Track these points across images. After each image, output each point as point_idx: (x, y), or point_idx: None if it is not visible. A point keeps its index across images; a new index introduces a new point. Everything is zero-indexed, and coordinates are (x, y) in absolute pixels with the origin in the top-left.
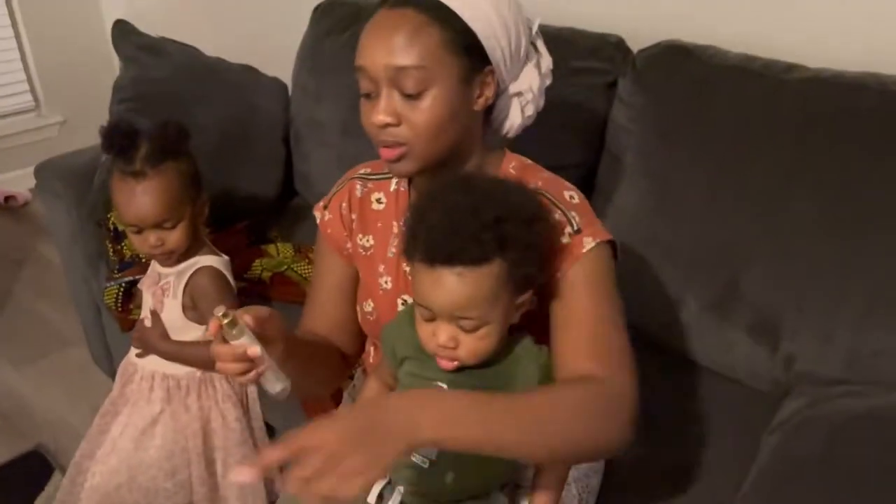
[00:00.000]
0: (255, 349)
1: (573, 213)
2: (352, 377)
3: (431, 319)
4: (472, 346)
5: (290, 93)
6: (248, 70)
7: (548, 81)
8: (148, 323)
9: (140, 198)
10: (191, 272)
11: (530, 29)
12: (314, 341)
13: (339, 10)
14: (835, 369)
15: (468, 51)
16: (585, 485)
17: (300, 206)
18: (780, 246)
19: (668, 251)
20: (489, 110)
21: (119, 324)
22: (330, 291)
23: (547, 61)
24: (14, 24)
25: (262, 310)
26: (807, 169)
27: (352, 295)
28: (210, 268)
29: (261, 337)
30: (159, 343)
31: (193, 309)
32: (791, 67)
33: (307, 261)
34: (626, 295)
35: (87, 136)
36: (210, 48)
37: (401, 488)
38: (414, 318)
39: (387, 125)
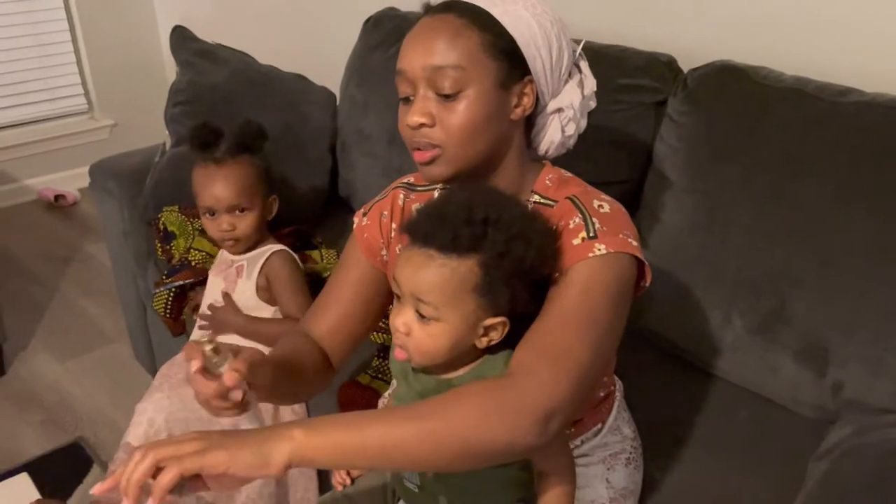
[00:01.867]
0: (239, 394)
1: (594, 220)
2: (389, 381)
3: (399, 299)
4: (421, 338)
5: (338, 103)
6: (299, 79)
7: (591, 104)
8: (218, 304)
9: (218, 181)
10: (266, 255)
11: (574, 50)
12: (285, 362)
13: (389, 24)
14: (884, 398)
15: (507, 56)
16: None
17: (345, 214)
18: (831, 270)
19: (714, 271)
20: (529, 125)
21: (169, 328)
22: (343, 291)
23: (591, 83)
24: (72, 29)
25: (255, 354)
26: (859, 193)
27: (364, 302)
28: (284, 251)
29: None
30: (233, 317)
31: (267, 290)
32: (846, 91)
33: None
34: (670, 314)
35: (137, 139)
36: (263, 56)
37: None
38: None
39: (421, 125)
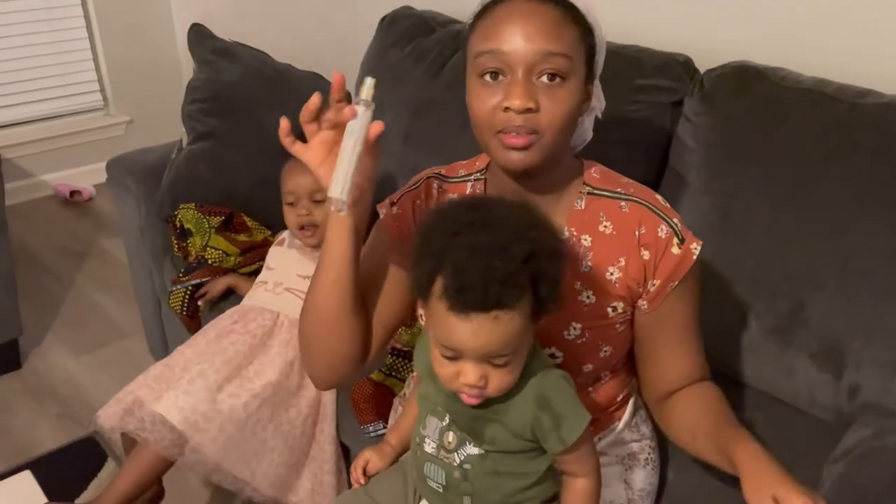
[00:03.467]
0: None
1: (675, 221)
2: (402, 379)
3: (455, 359)
4: (500, 380)
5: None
6: (315, 77)
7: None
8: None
9: (304, 170)
10: None
11: None
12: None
13: (405, 23)
14: None
15: (590, 54)
16: None
17: None
18: (849, 271)
19: (730, 272)
20: None
21: (186, 326)
22: (372, 289)
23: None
24: (88, 26)
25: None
26: (879, 194)
27: (393, 299)
28: None
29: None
30: None
31: None
32: (865, 92)
33: None
34: None
35: (152, 136)
36: (279, 54)
37: None
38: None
39: (527, 110)
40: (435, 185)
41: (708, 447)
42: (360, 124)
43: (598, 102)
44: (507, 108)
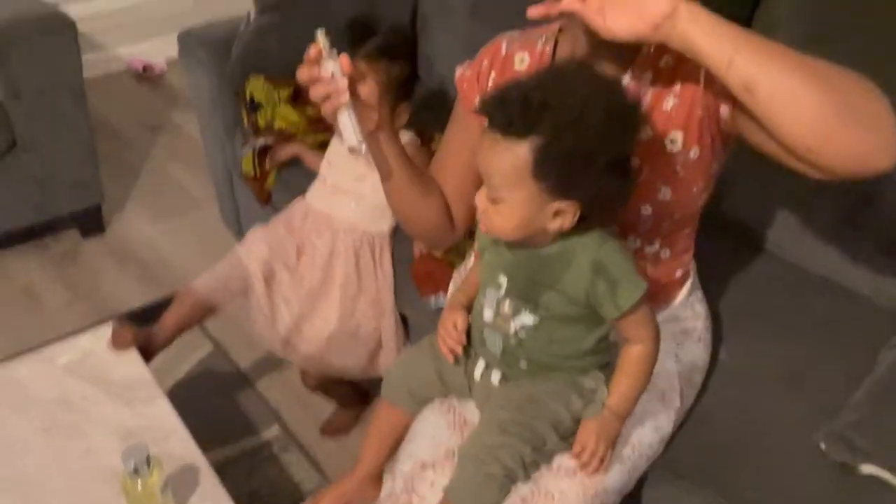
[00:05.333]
0: (342, 80)
1: None
2: (462, 254)
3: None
4: (493, 217)
5: None
6: None
7: None
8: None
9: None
10: (405, 137)
11: None
12: (425, 177)
13: None
14: None
15: None
16: (689, 379)
17: (422, 90)
18: None
19: None
20: None
21: (256, 196)
22: (453, 156)
23: None
24: None
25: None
26: None
27: (471, 167)
28: (413, 142)
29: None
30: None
31: None
32: None
33: (431, 150)
34: (753, 201)
35: (221, 9)
36: None
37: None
38: None
39: None
40: (504, 44)
41: None
42: (336, 79)
43: None
44: None
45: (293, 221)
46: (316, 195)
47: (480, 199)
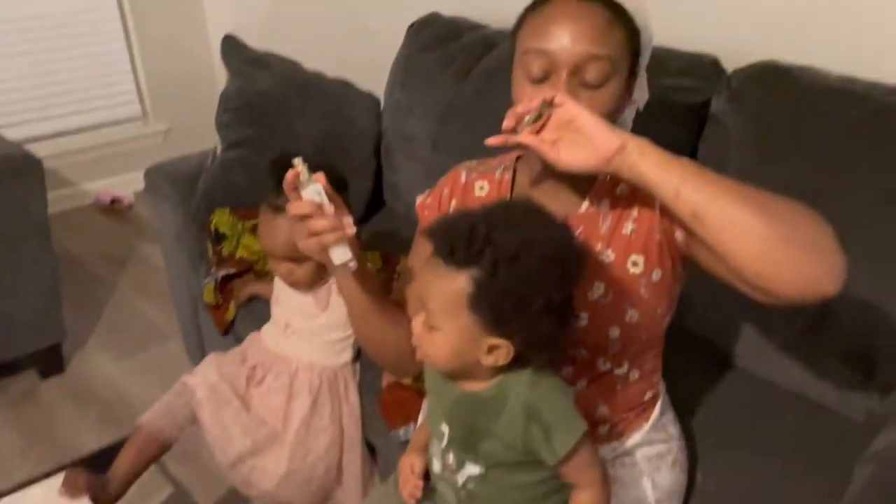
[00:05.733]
0: (329, 206)
1: None
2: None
3: None
4: (427, 344)
5: (382, 107)
6: (344, 84)
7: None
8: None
9: (272, 231)
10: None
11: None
12: (392, 305)
13: (434, 28)
14: None
15: (635, 53)
16: None
17: (388, 216)
18: (879, 271)
19: None
20: None
21: (217, 325)
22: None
23: (645, 83)
24: (127, 39)
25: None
26: None
27: None
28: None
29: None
30: None
31: None
32: (894, 90)
33: (396, 274)
34: (714, 316)
35: (189, 144)
36: (309, 62)
37: None
38: None
39: None
40: (464, 174)
41: None
42: (325, 208)
43: (641, 95)
44: None
45: (247, 357)
46: (270, 336)
47: (417, 324)
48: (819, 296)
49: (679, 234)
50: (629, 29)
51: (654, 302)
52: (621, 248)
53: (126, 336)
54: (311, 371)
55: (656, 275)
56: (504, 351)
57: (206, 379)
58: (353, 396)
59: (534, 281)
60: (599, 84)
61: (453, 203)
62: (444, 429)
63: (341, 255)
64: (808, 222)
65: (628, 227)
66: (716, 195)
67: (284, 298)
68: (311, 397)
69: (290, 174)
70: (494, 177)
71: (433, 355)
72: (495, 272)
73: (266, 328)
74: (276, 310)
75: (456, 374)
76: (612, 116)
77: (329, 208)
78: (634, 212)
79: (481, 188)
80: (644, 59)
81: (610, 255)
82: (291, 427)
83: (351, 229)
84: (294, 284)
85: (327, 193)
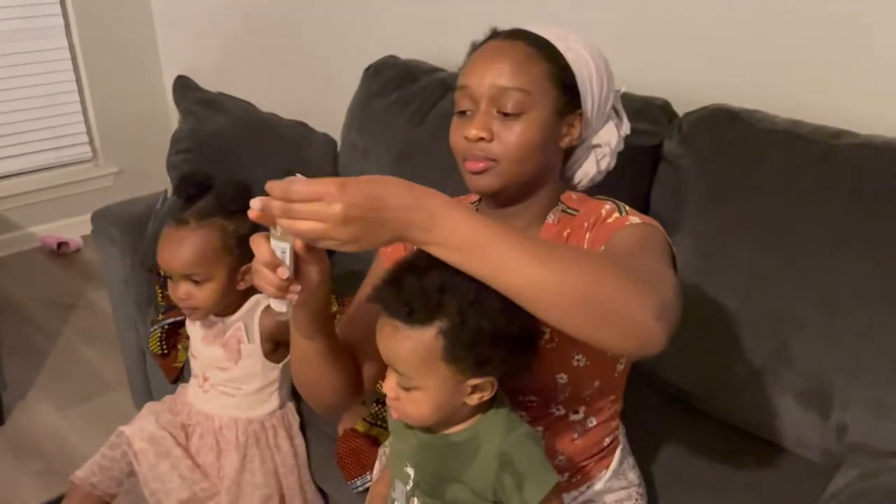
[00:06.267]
0: (285, 270)
1: (625, 206)
2: (387, 427)
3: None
4: (406, 405)
5: (338, 149)
6: (300, 126)
7: (621, 146)
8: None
9: (174, 246)
10: (258, 311)
11: (616, 92)
12: (342, 343)
13: (389, 72)
14: (890, 440)
15: (566, 88)
16: None
17: (345, 259)
18: (832, 311)
19: (713, 313)
20: (567, 156)
21: (165, 373)
22: (364, 313)
23: (626, 126)
24: (78, 80)
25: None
26: (857, 234)
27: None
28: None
29: (299, 269)
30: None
31: (274, 351)
32: (840, 133)
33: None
34: (670, 357)
35: (141, 187)
36: (265, 104)
37: None
38: None
39: (480, 139)
40: None
41: None
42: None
43: (608, 138)
44: (466, 138)
45: (177, 411)
46: (192, 392)
47: (390, 387)
48: (655, 348)
49: None
50: (554, 63)
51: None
52: None
53: (70, 385)
54: (235, 427)
55: None
56: (489, 387)
57: (144, 428)
58: (285, 444)
59: (503, 314)
60: (517, 113)
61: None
62: (410, 471)
63: (278, 306)
64: (625, 285)
65: None
66: (500, 271)
67: (197, 350)
68: (240, 454)
69: (273, 207)
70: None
71: (415, 414)
72: (463, 320)
73: (191, 382)
74: (193, 363)
75: (436, 426)
76: (530, 147)
77: (283, 272)
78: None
79: (388, 271)
80: (591, 96)
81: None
82: (223, 486)
83: (294, 296)
84: (192, 310)
85: (299, 255)
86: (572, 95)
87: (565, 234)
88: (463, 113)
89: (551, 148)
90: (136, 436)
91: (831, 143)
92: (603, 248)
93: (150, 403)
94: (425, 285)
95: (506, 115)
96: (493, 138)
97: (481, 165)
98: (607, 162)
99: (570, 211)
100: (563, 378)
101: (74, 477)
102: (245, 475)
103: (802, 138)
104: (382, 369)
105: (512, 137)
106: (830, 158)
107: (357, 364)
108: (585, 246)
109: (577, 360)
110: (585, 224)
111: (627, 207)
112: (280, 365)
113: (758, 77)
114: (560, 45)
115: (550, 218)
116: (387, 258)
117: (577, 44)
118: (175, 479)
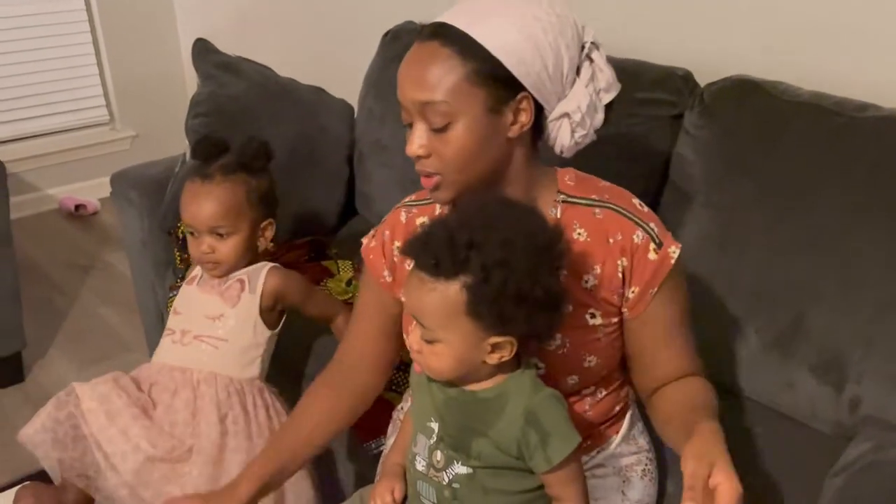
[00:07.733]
0: None
1: (651, 225)
2: (401, 392)
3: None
4: (429, 357)
5: (355, 115)
6: (318, 91)
7: (610, 94)
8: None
9: (200, 199)
10: (265, 270)
11: (582, 45)
12: (291, 450)
13: (407, 38)
14: None
15: (496, 80)
16: None
17: (360, 225)
18: (848, 284)
19: (730, 285)
20: (539, 133)
21: None
22: (365, 324)
23: (606, 75)
24: (95, 42)
25: None
26: (877, 207)
27: (387, 329)
28: (278, 267)
29: None
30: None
31: (271, 310)
32: (864, 106)
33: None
34: None
35: (158, 150)
36: (283, 69)
37: None
38: None
39: (419, 157)
40: (403, 214)
41: (679, 434)
42: None
43: (577, 102)
44: (409, 155)
45: (141, 381)
46: (165, 351)
47: (414, 339)
48: None
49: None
50: (474, 60)
51: (613, 346)
52: (579, 302)
53: (88, 345)
54: (215, 382)
55: (616, 320)
56: (508, 347)
57: (96, 388)
58: (262, 414)
59: (527, 276)
60: (443, 127)
61: (396, 244)
62: (434, 425)
63: None
64: None
65: (589, 282)
66: None
67: (186, 305)
68: (218, 413)
69: None
70: (435, 212)
71: (437, 366)
72: (487, 278)
73: (158, 350)
74: (173, 320)
75: (458, 380)
76: (470, 151)
77: None
78: (597, 267)
79: (422, 225)
80: (536, 77)
81: (568, 307)
82: (202, 446)
83: None
84: (214, 266)
85: None
86: (507, 83)
87: (575, 224)
88: (409, 125)
89: (498, 143)
90: (85, 395)
91: (855, 116)
92: (659, 317)
93: (112, 373)
94: (454, 240)
95: (436, 129)
96: (429, 154)
97: (431, 182)
98: (585, 128)
99: (577, 200)
100: (573, 379)
101: (22, 435)
102: (227, 438)
103: (825, 111)
104: (390, 368)
105: (447, 150)
106: (854, 132)
107: (349, 406)
108: (622, 273)
109: (589, 362)
110: (611, 240)
111: (651, 225)
112: (269, 333)
113: (782, 47)
114: (478, 32)
115: (552, 212)
116: (371, 266)
117: (502, 18)
118: (136, 431)
